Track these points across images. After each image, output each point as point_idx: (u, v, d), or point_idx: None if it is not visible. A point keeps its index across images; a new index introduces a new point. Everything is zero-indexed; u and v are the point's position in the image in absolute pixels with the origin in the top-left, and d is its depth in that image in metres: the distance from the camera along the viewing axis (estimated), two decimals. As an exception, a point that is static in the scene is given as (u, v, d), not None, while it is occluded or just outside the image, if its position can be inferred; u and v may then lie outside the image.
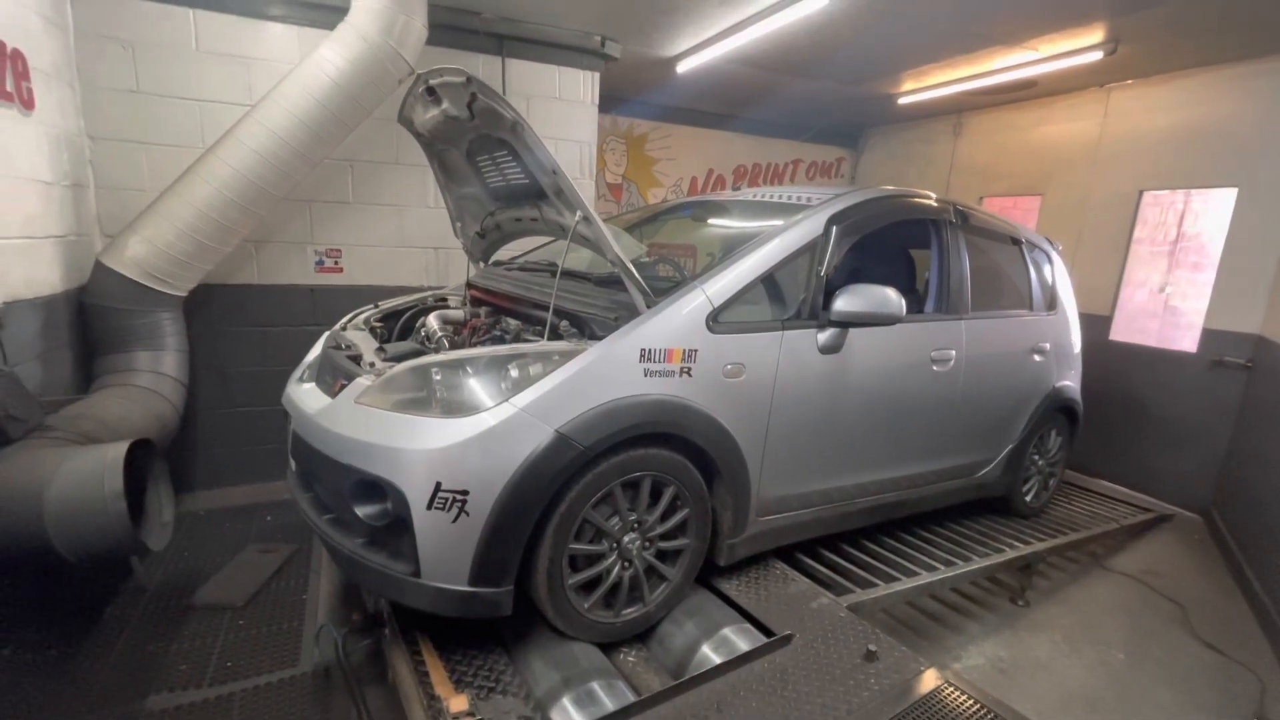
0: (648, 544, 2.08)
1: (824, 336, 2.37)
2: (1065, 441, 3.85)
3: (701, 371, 2.07)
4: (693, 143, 6.53)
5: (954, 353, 2.89)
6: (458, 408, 1.81)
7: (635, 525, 2.05)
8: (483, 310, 2.59)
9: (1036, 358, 3.41)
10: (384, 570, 1.82)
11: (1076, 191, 5.23)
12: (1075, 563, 3.72)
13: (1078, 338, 3.80)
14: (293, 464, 2.28)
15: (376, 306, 2.95)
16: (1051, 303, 3.61)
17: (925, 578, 2.70)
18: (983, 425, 3.19)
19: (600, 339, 1.97)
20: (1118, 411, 4.87)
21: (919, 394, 2.78)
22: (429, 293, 3.16)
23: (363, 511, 1.84)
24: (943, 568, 2.83)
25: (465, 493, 1.72)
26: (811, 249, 2.39)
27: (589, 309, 2.13)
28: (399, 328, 2.83)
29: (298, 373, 2.45)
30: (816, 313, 2.37)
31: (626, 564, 2.05)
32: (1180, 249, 4.76)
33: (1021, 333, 3.35)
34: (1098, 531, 3.68)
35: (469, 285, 3.04)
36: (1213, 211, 4.52)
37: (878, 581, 2.59)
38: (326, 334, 2.70)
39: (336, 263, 3.96)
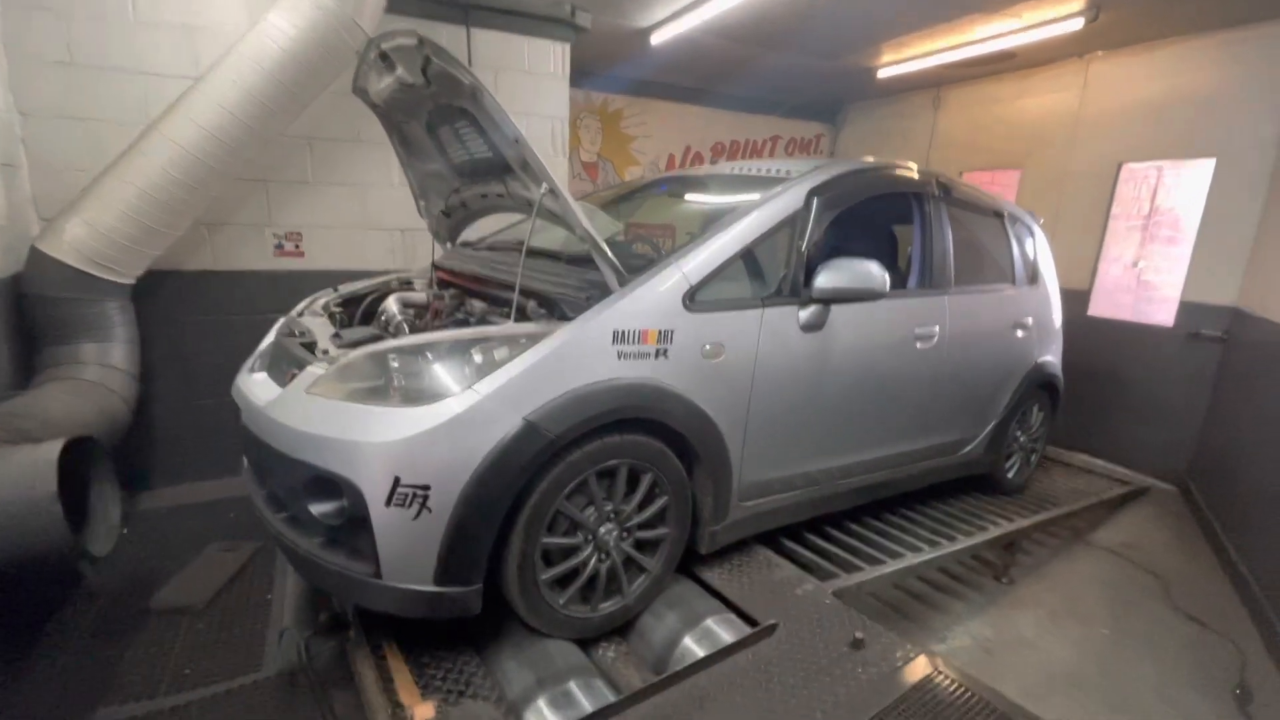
0: (625, 534, 1.99)
1: (805, 314, 2.28)
2: (1047, 417, 3.83)
3: (678, 353, 1.96)
4: (669, 119, 6.37)
5: (937, 329, 2.82)
6: (418, 396, 1.69)
7: (612, 515, 1.95)
8: (446, 293, 2.46)
9: (1019, 333, 3.36)
10: (343, 572, 1.70)
11: (1055, 165, 5.19)
12: (1056, 538, 3.72)
13: (1059, 313, 3.77)
14: (245, 460, 2.14)
15: (335, 291, 2.79)
16: (1033, 277, 3.56)
17: (910, 559, 2.65)
18: (966, 402, 3.14)
19: (570, 320, 1.85)
20: (1095, 386, 4.88)
21: (902, 372, 2.71)
22: (393, 276, 3.01)
23: (318, 510, 1.71)
24: (927, 548, 2.79)
25: (426, 488, 1.61)
26: (791, 223, 2.29)
27: (558, 288, 2.01)
28: (360, 313, 2.69)
29: (249, 362, 2.30)
30: (798, 290, 2.27)
31: (603, 556, 1.96)
32: (1153, 223, 4.75)
33: (1004, 308, 3.29)
34: (1079, 506, 3.68)
35: (434, 267, 2.89)
36: (1186, 185, 4.51)
37: (862, 565, 2.54)
38: (281, 320, 2.55)
39: (297, 246, 3.77)
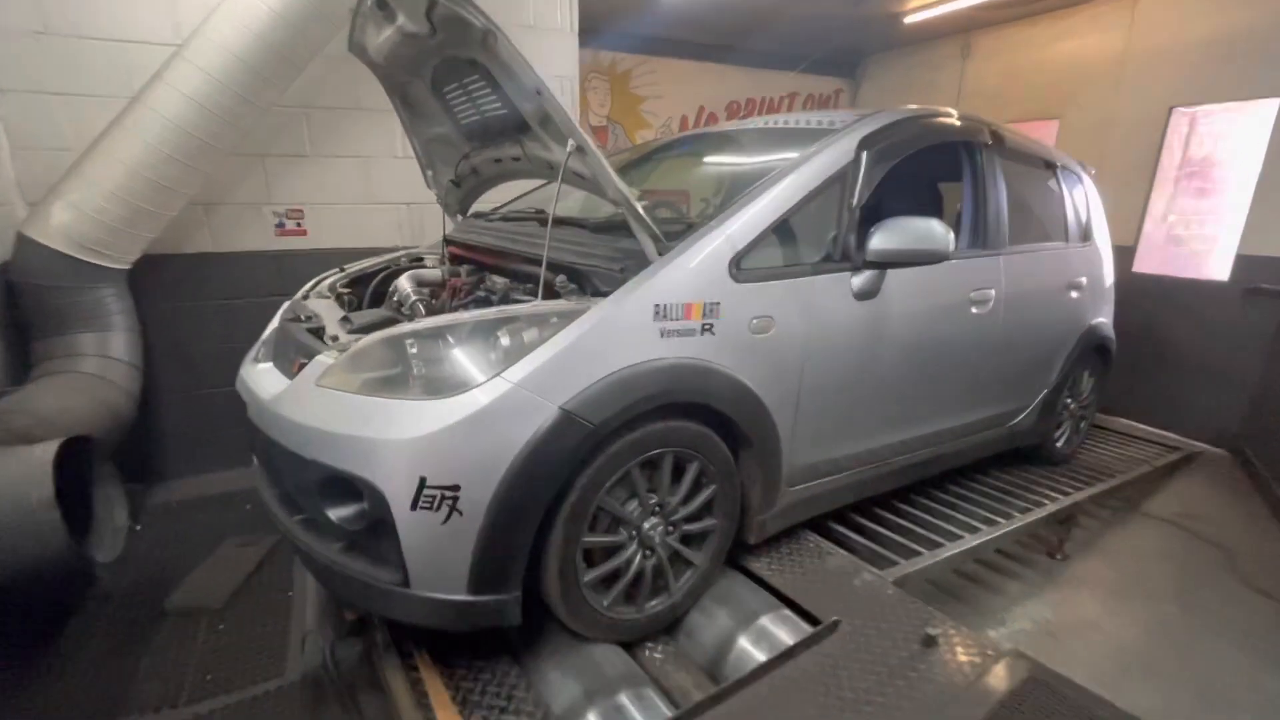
0: (671, 528, 1.82)
1: (859, 280, 2.06)
2: (1098, 383, 3.61)
3: (725, 328, 1.76)
4: (682, 78, 6.04)
5: (993, 292, 2.59)
6: (440, 386, 1.51)
7: (656, 509, 1.78)
8: (463, 269, 2.26)
9: (1073, 294, 3.13)
10: (366, 580, 1.54)
11: (1098, 112, 4.86)
12: (1108, 509, 3.53)
13: (1111, 271, 3.52)
14: (254, 458, 1.97)
15: (342, 270, 2.60)
16: (1086, 233, 3.31)
17: (969, 541, 2.47)
18: (1020, 370, 2.93)
19: (605, 295, 1.65)
20: (1138, 347, 4.63)
21: (957, 340, 2.50)
22: (402, 252, 2.81)
23: (335, 514, 1.54)
24: (984, 527, 2.61)
25: (456, 488, 1.43)
26: (841, 179, 2.06)
27: (588, 260, 1.80)
28: (369, 293, 2.50)
29: (253, 351, 2.12)
30: (849, 253, 2.05)
31: (648, 552, 1.79)
32: (1205, 172, 4.45)
33: (1058, 268, 3.05)
34: (1134, 475, 3.48)
35: (446, 241, 2.69)
36: (1227, 133, 4.18)
37: (919, 549, 2.36)
38: (285, 304, 2.36)
39: (299, 224, 3.56)
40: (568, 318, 1.58)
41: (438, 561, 1.48)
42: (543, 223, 2.33)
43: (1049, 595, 2.79)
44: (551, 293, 1.75)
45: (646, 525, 1.76)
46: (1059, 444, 3.47)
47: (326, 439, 1.50)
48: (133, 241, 2.93)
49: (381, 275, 2.53)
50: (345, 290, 2.43)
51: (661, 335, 1.65)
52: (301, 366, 1.69)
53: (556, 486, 1.54)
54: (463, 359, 1.54)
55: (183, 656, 2.31)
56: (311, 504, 1.60)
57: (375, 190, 3.70)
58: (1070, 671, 1.69)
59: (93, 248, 2.78)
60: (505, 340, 1.54)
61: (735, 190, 2.03)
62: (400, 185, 3.72)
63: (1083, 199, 3.34)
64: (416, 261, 2.74)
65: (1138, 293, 4.63)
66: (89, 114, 2.90)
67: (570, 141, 1.63)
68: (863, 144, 2.12)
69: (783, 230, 1.92)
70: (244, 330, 3.46)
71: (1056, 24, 5.06)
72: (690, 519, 1.86)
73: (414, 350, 1.57)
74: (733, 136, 2.83)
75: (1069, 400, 3.41)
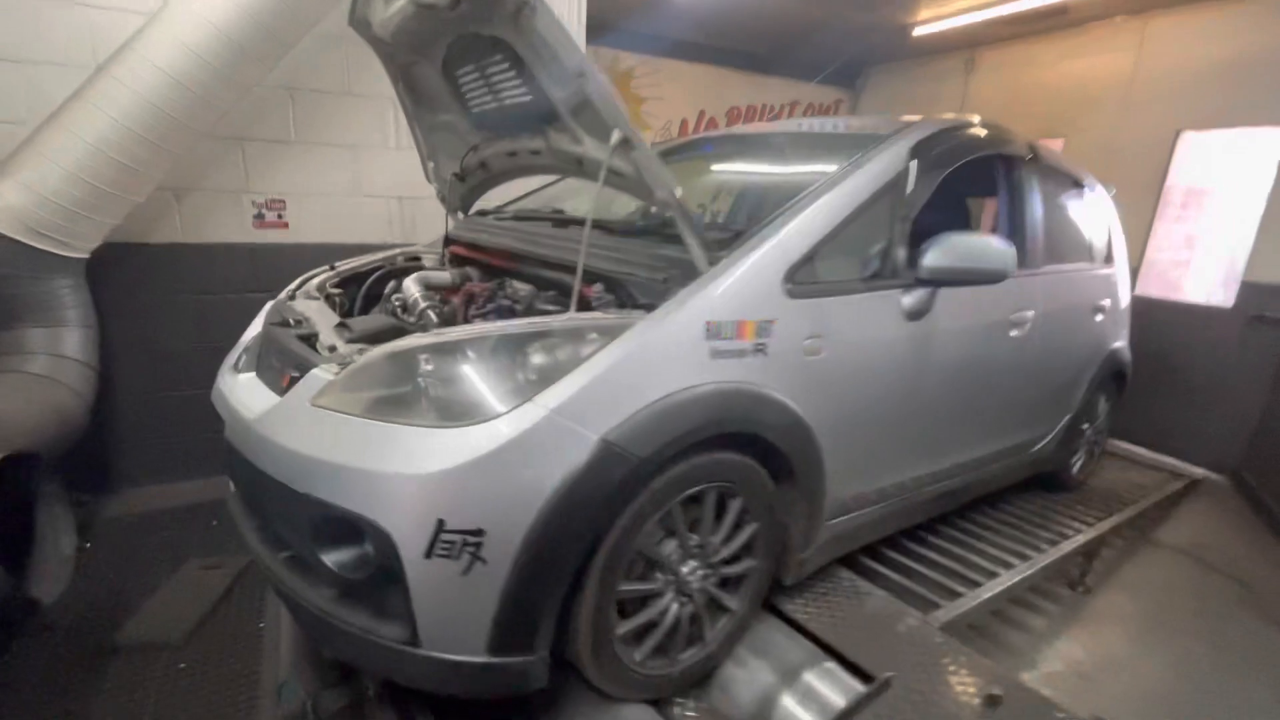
0: (709, 570, 1.62)
1: (910, 299, 1.90)
2: (1112, 408, 3.53)
3: (778, 349, 1.58)
4: (682, 80, 5.87)
5: (1031, 314, 2.46)
6: (460, 410, 1.29)
7: (696, 550, 1.58)
8: (474, 271, 2.04)
9: (1098, 317, 3.03)
10: (366, 636, 1.31)
11: (1103, 133, 4.82)
12: (1121, 538, 3.43)
13: (1128, 293, 3.44)
14: (231, 483, 1.72)
15: (333, 269, 2.35)
16: (1109, 255, 3.22)
17: (1006, 579, 2.32)
18: (1048, 394, 2.82)
19: (645, 309, 1.45)
20: (1139, 370, 4.58)
21: (997, 362, 2.37)
22: (398, 250, 2.56)
23: (332, 559, 1.31)
24: (1017, 561, 2.47)
25: (479, 532, 1.22)
26: (893, 188, 1.89)
27: (625, 269, 1.60)
28: (362, 295, 2.25)
29: (232, 358, 1.87)
30: (898, 270, 1.89)
31: (685, 599, 1.59)
32: (1208, 197, 4.43)
33: (1086, 289, 2.95)
34: (1148, 504, 3.40)
35: (448, 240, 2.46)
36: (1233, 158, 4.18)
37: (957, 588, 2.20)
38: (269, 304, 2.11)
39: (280, 216, 3.29)
40: (609, 334, 1.38)
41: (454, 617, 1.26)
42: (563, 223, 2.13)
43: (1075, 631, 2.66)
44: (585, 304, 1.54)
45: (685, 569, 1.56)
46: (1074, 470, 3.37)
47: (323, 470, 1.27)
48: (93, 228, 2.63)
49: (377, 275, 2.29)
50: (335, 290, 2.18)
51: (712, 356, 1.46)
52: (292, 381, 1.46)
53: (595, 529, 1.33)
54: (488, 379, 1.32)
55: (135, 703, 2.02)
56: (302, 543, 1.36)
57: (364, 182, 3.44)
58: (1110, 715, 1.54)
59: (47, 233, 2.48)
60: (538, 358, 1.33)
61: (774, 200, 1.84)
62: (392, 178, 3.47)
63: (1106, 219, 3.25)
64: (414, 261, 2.50)
65: (1139, 316, 4.59)
66: (46, 84, 2.60)
67: (615, 133, 1.43)
68: (914, 151, 1.96)
69: (835, 242, 1.74)
70: (215, 330, 3.19)
71: (1063, 43, 5.03)
72: (729, 560, 1.66)
73: (429, 367, 1.35)
74: (764, 139, 2.66)
75: (1085, 425, 3.31)
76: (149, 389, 3.20)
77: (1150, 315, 4.56)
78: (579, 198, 2.46)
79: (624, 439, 1.31)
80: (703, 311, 1.45)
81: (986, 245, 1.87)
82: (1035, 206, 2.56)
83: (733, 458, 1.55)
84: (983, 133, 2.36)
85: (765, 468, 1.64)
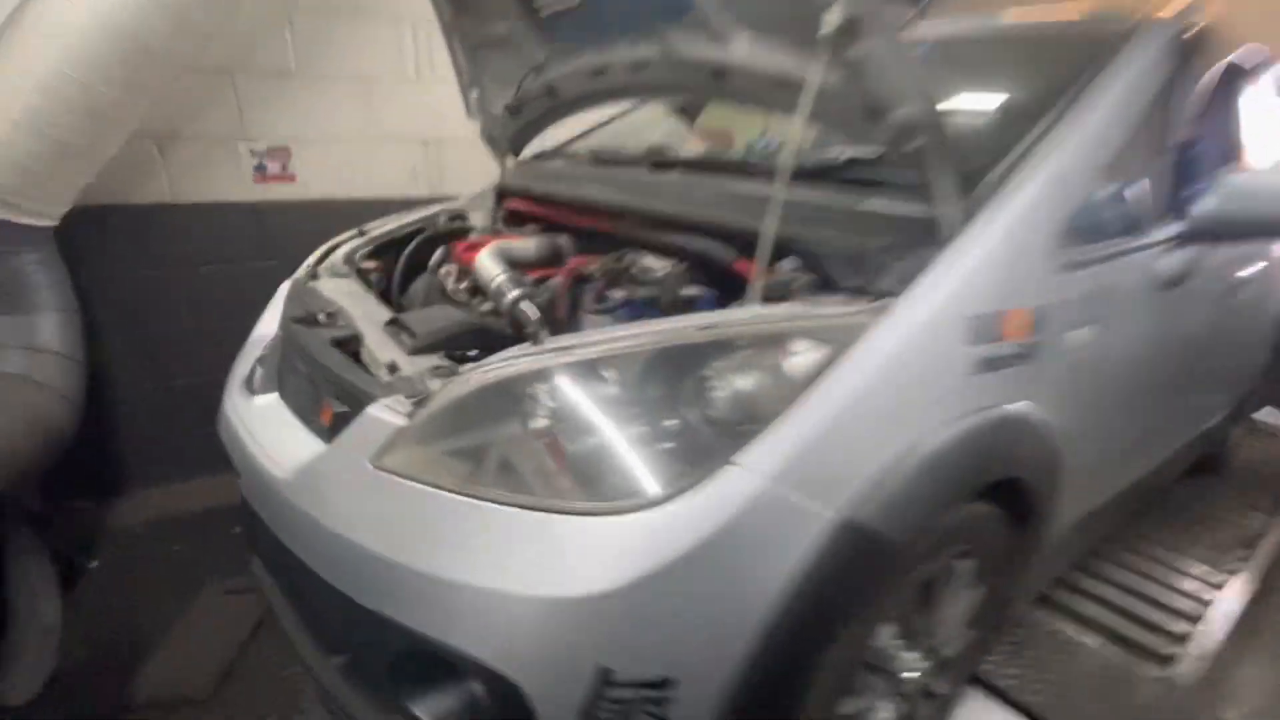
0: (931, 658, 1.16)
1: (1171, 261, 1.36)
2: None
3: (1047, 348, 1.06)
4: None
5: (1248, 273, 1.93)
6: (620, 483, 0.79)
7: (921, 637, 1.11)
8: (563, 239, 1.50)
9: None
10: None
11: None
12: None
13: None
14: (256, 558, 1.26)
15: (362, 234, 1.82)
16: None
17: (1228, 597, 1.85)
18: (1245, 363, 2.32)
19: (890, 297, 0.93)
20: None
21: (1223, 334, 1.86)
22: (438, 209, 2.02)
23: (424, 710, 0.84)
24: (1225, 576, 1.99)
25: (665, 684, 0.75)
26: (1162, 103, 1.33)
27: (823, 234, 1.06)
28: (401, 268, 1.72)
29: (243, 370, 1.36)
30: (1157, 221, 1.35)
31: (902, 700, 1.13)
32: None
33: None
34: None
35: (502, 193, 1.93)
36: None
37: (1178, 624, 1.71)
38: (285, 285, 1.60)
39: (284, 167, 2.73)
40: (829, 341, 0.86)
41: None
42: (657, 167, 1.54)
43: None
44: (781, 292, 1.00)
45: (906, 663, 1.10)
46: (1227, 448, 2.89)
47: (403, 579, 0.79)
48: (60, 187, 2.11)
49: (419, 240, 1.76)
50: (370, 265, 1.66)
51: (975, 369, 0.95)
52: (337, 420, 0.96)
53: (823, 650, 0.85)
54: (663, 427, 0.82)
55: (160, 783, 1.64)
56: (374, 677, 0.90)
57: (382, 123, 2.85)
58: None
59: (2, 197, 1.96)
60: (741, 383, 0.82)
61: (997, 129, 1.29)
62: (414, 117, 2.87)
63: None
64: (457, 220, 1.96)
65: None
66: (-21, 2, 2.02)
67: (836, 8, 0.86)
68: (1185, 46, 1.37)
69: (1101, 186, 1.20)
70: (218, 304, 2.71)
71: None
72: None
73: (552, 404, 0.85)
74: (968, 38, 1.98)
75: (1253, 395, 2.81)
76: (149, 378, 2.73)
77: None
78: (671, 134, 1.90)
79: (876, 515, 0.82)
80: (962, 300, 0.93)
81: (1290, 184, 1.31)
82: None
83: (980, 510, 1.06)
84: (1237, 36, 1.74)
85: (1007, 512, 1.15)
